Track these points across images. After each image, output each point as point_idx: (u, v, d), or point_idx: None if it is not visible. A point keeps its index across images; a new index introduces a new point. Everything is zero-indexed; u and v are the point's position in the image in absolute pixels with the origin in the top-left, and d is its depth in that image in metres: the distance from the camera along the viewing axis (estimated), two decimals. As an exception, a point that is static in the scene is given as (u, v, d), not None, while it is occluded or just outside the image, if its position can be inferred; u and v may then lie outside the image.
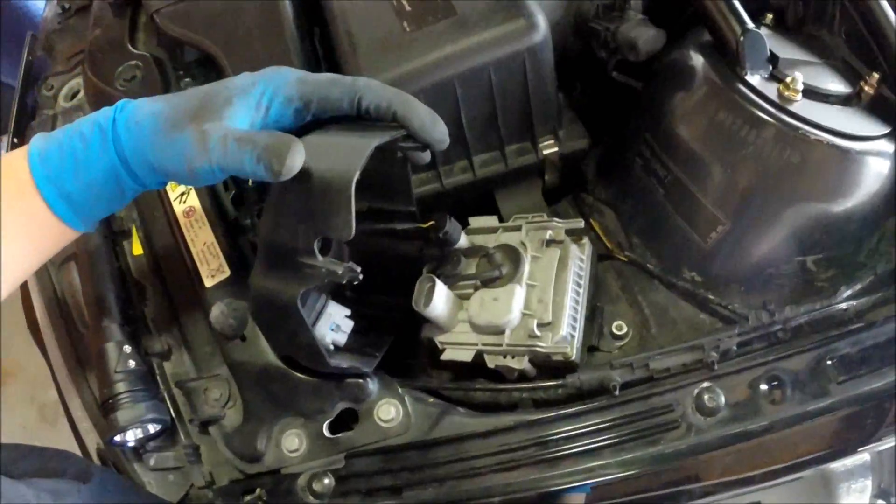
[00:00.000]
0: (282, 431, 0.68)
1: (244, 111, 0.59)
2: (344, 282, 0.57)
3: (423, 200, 0.76)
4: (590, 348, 0.69)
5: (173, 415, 0.71)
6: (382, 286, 0.71)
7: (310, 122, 0.62)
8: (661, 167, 0.72)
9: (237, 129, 0.58)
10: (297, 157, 0.55)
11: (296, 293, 0.57)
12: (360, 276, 0.58)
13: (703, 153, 0.70)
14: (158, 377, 0.72)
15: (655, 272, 0.72)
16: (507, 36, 0.71)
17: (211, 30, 0.80)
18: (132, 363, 0.69)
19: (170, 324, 0.74)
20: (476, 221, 0.74)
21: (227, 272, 0.71)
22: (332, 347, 0.65)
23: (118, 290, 0.74)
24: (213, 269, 0.72)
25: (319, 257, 0.56)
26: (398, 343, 0.70)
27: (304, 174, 0.55)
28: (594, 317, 0.70)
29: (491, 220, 0.73)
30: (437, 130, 0.62)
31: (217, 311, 0.68)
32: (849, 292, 0.69)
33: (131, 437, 0.69)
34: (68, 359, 0.76)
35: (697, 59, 0.73)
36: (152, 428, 0.69)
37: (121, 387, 0.69)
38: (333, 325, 0.65)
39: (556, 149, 0.76)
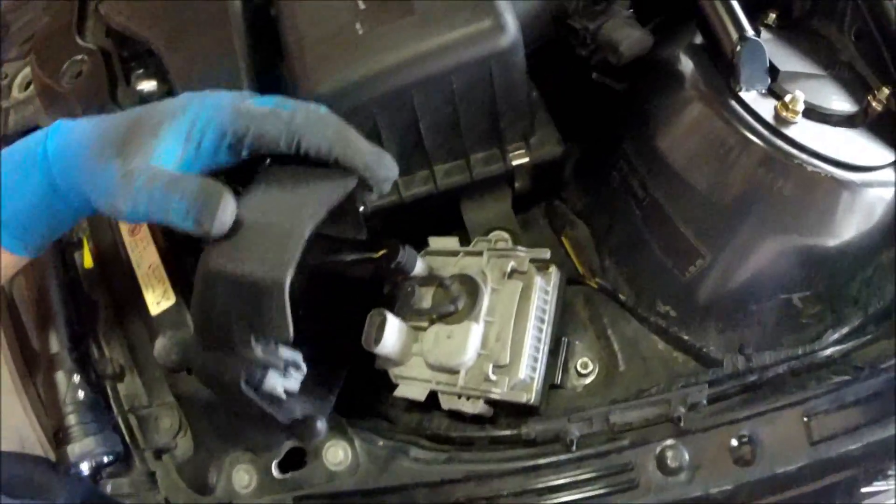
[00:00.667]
0: (232, 465, 0.61)
1: (173, 144, 0.50)
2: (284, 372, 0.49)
3: (381, 213, 0.66)
4: (552, 386, 0.61)
5: (128, 440, 0.65)
6: (334, 313, 0.62)
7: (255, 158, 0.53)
8: (639, 186, 0.61)
9: (165, 171, 0.49)
10: (227, 214, 0.47)
11: (237, 378, 0.49)
12: (303, 370, 0.52)
13: (686, 175, 0.59)
14: (112, 400, 0.66)
15: (627, 304, 0.62)
16: (470, 38, 0.58)
17: (155, 22, 0.68)
18: (81, 393, 0.63)
19: (122, 344, 0.67)
20: (436, 242, 0.64)
21: (172, 299, 0.63)
22: (283, 396, 0.57)
23: (67, 308, 0.66)
24: (158, 295, 0.63)
25: (259, 352, 0.48)
26: (353, 370, 0.63)
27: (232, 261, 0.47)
28: (558, 350, 0.61)
29: (451, 242, 0.63)
30: (383, 171, 0.52)
31: (160, 346, 0.60)
32: (836, 336, 0.59)
33: (85, 467, 0.63)
34: (18, 362, 0.70)
35: (687, 65, 0.61)
36: (105, 458, 0.63)
37: (71, 419, 0.62)
38: (285, 373, 0.57)
39: (525, 159, 0.65)
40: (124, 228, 0.65)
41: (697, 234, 0.58)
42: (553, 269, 0.60)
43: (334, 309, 0.61)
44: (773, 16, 0.64)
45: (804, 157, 0.55)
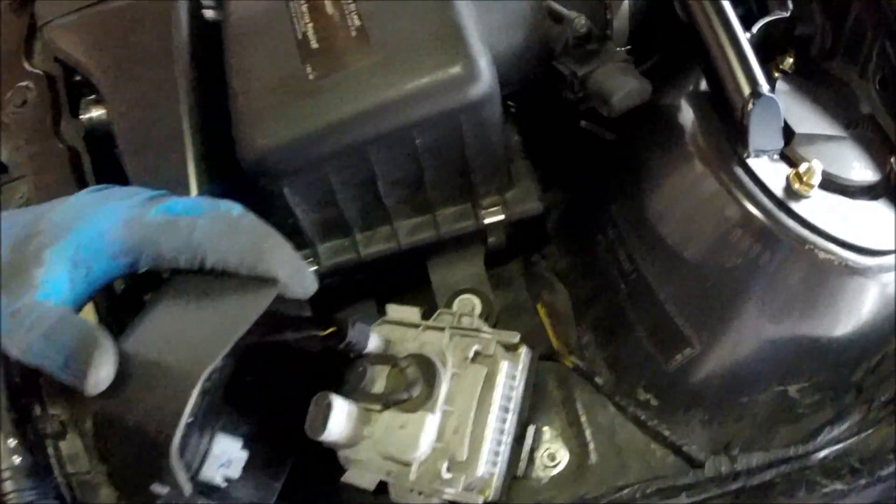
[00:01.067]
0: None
1: (59, 272, 0.41)
2: None
3: (338, 271, 0.57)
4: (515, 477, 0.53)
5: (70, 504, 0.58)
6: (281, 387, 0.54)
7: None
8: (626, 257, 0.52)
9: (51, 310, 0.40)
10: (101, 372, 0.39)
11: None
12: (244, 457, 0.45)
13: (679, 250, 0.49)
14: (54, 460, 0.59)
15: (605, 389, 0.53)
16: (437, 88, 0.48)
17: (98, 52, 0.59)
18: (17, 459, 0.56)
19: (62, 400, 0.60)
20: (394, 311, 0.55)
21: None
22: (224, 485, 0.50)
23: (7, 362, 0.59)
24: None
25: (161, 494, 0.40)
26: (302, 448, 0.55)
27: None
28: (524, 437, 0.53)
29: (412, 314, 0.54)
30: (300, 288, 0.43)
31: None
32: (834, 433, 0.50)
33: (27, 535, 0.57)
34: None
35: (687, 117, 0.51)
36: (46, 525, 0.57)
37: (8, 486, 0.55)
38: (225, 460, 0.50)
39: (500, 216, 0.56)
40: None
41: (688, 320, 0.49)
42: (523, 350, 0.51)
43: (281, 383, 0.54)
44: (790, 60, 0.53)
45: (817, 239, 0.45)
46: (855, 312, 0.47)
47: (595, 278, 0.55)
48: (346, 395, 0.51)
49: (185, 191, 0.53)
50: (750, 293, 0.47)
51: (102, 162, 0.58)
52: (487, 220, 0.55)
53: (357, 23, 0.51)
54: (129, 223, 0.42)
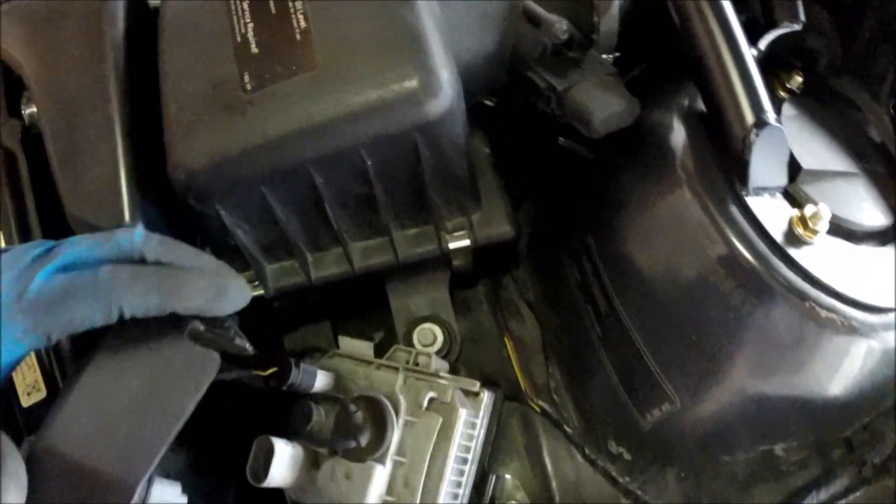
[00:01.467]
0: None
1: None
2: None
3: (287, 295, 0.49)
4: (472, 529, 0.47)
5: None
6: (224, 423, 0.48)
7: None
8: (601, 295, 0.45)
9: None
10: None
11: None
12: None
13: (661, 294, 0.42)
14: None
15: (573, 437, 0.46)
16: (388, 105, 0.40)
17: (26, 45, 0.51)
18: None
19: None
20: (346, 345, 0.48)
21: (42, 392, 0.49)
22: None
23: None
24: (28, 384, 0.49)
25: None
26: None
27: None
28: (483, 487, 0.46)
29: (364, 349, 0.47)
30: (229, 305, 0.39)
31: (25, 448, 0.47)
32: (822, 497, 0.44)
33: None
34: None
35: (678, 139, 0.43)
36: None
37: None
38: None
39: (465, 241, 0.48)
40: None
41: (669, 373, 0.42)
42: (485, 396, 0.45)
43: (221, 416, 0.47)
44: (798, 79, 0.44)
45: (818, 295, 0.38)
46: (854, 372, 0.40)
47: (566, 314, 0.47)
48: (291, 436, 0.45)
49: (115, 205, 0.45)
50: (737, 347, 0.40)
51: (42, 167, 0.51)
52: (452, 245, 0.47)
53: (302, 24, 0.43)
54: (22, 300, 0.35)
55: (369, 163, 0.42)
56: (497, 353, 0.49)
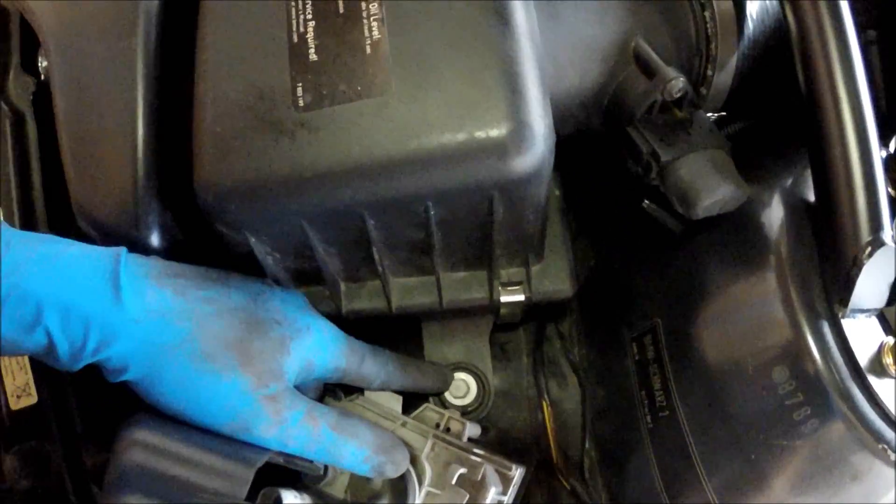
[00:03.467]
0: None
1: (296, 368, 0.37)
2: None
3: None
4: None
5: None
6: None
7: None
8: (660, 384, 0.38)
9: (325, 410, 0.37)
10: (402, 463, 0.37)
11: None
12: None
13: (725, 397, 0.35)
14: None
15: (601, 526, 0.41)
16: (467, 153, 0.32)
17: (46, 7, 0.40)
18: None
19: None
20: (374, 398, 0.41)
21: (33, 397, 0.42)
22: None
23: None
24: (19, 386, 0.42)
25: None
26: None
27: None
28: (500, 561, 0.42)
29: (393, 402, 0.41)
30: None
31: (9, 465, 0.40)
32: None
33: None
34: None
35: (777, 229, 0.35)
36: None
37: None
38: None
39: (520, 297, 0.41)
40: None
41: (713, 479, 0.36)
42: (517, 473, 0.39)
43: None
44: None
45: (892, 437, 0.32)
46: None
47: (616, 393, 0.42)
48: (301, 488, 0.38)
49: (129, 208, 0.37)
50: (797, 479, 0.34)
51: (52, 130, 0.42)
52: (504, 299, 0.40)
53: (375, 33, 0.34)
54: (339, 340, 0.39)
55: (433, 213, 0.34)
56: (531, 415, 0.44)
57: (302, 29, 0.35)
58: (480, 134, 0.32)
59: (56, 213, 0.45)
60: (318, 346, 0.37)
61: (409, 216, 0.35)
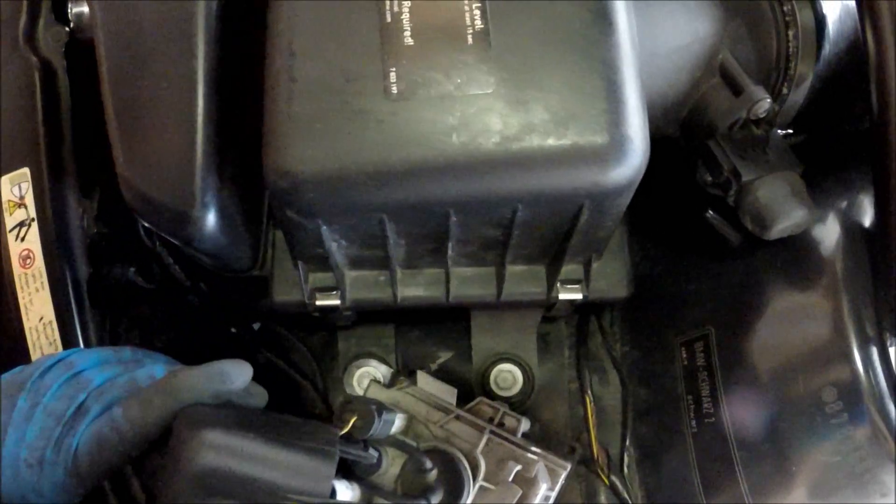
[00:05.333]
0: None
1: None
2: None
3: (362, 308, 0.42)
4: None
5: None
6: None
7: None
8: (708, 394, 0.40)
9: None
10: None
11: None
12: None
13: (771, 407, 0.37)
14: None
15: (636, 522, 0.43)
16: (565, 159, 0.31)
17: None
18: None
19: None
20: (426, 384, 0.41)
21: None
22: None
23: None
24: (47, 362, 0.39)
25: None
26: None
27: None
28: (537, 549, 0.43)
29: (447, 393, 0.41)
30: (240, 380, 0.32)
31: None
32: None
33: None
34: None
35: (835, 252, 0.37)
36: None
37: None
38: None
39: (578, 295, 0.41)
40: (15, 251, 0.39)
41: (755, 491, 0.38)
42: (566, 469, 0.39)
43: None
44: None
45: None
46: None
47: (660, 395, 0.43)
48: (352, 478, 0.38)
49: (186, 186, 0.34)
50: (825, 487, 0.36)
51: (87, 84, 0.38)
52: (563, 297, 0.40)
53: (478, 23, 0.32)
54: (72, 465, 0.31)
55: (519, 214, 0.33)
56: (572, 408, 0.44)
57: (397, 9, 0.33)
58: (582, 142, 0.31)
59: (86, 175, 0.42)
60: None
61: (495, 216, 0.34)
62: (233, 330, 0.52)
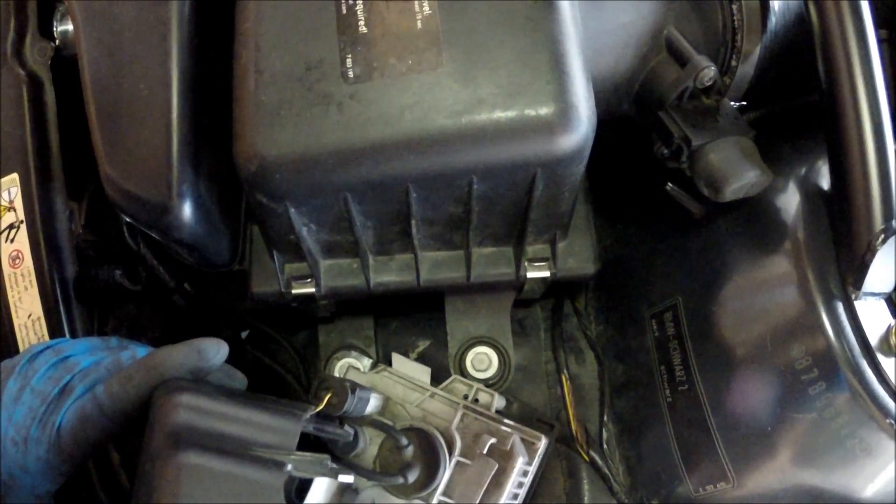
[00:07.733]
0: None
1: None
2: None
3: (336, 296, 0.43)
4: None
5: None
6: None
7: None
8: (680, 363, 0.40)
9: None
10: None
11: None
12: None
13: (744, 372, 0.38)
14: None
15: (618, 495, 0.43)
16: (516, 130, 0.33)
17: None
18: None
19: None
20: (401, 365, 0.42)
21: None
22: None
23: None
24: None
25: None
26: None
27: None
28: (521, 527, 0.43)
29: (422, 373, 0.42)
30: (216, 358, 0.34)
31: None
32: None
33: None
34: None
35: (795, 215, 0.38)
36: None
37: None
38: None
39: (545, 273, 0.42)
40: (5, 252, 0.41)
41: (731, 452, 0.38)
42: (542, 442, 0.40)
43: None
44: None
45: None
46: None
47: (634, 368, 0.43)
48: (332, 459, 0.39)
49: (163, 179, 0.37)
50: (807, 451, 0.36)
51: (73, 96, 0.41)
52: (531, 275, 0.42)
53: (426, 9, 0.34)
54: (56, 445, 0.33)
55: (476, 187, 0.35)
56: (550, 389, 0.45)
57: (351, 1, 0.35)
58: (530, 112, 0.33)
59: (74, 180, 0.44)
60: None
61: (453, 190, 0.36)
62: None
